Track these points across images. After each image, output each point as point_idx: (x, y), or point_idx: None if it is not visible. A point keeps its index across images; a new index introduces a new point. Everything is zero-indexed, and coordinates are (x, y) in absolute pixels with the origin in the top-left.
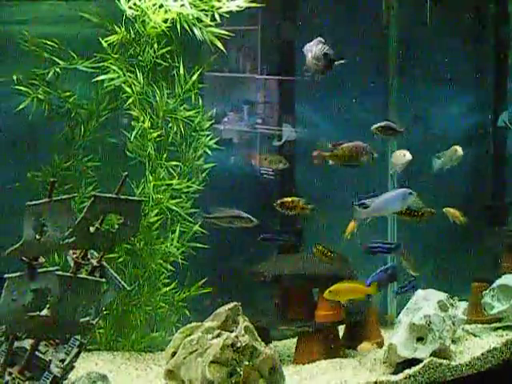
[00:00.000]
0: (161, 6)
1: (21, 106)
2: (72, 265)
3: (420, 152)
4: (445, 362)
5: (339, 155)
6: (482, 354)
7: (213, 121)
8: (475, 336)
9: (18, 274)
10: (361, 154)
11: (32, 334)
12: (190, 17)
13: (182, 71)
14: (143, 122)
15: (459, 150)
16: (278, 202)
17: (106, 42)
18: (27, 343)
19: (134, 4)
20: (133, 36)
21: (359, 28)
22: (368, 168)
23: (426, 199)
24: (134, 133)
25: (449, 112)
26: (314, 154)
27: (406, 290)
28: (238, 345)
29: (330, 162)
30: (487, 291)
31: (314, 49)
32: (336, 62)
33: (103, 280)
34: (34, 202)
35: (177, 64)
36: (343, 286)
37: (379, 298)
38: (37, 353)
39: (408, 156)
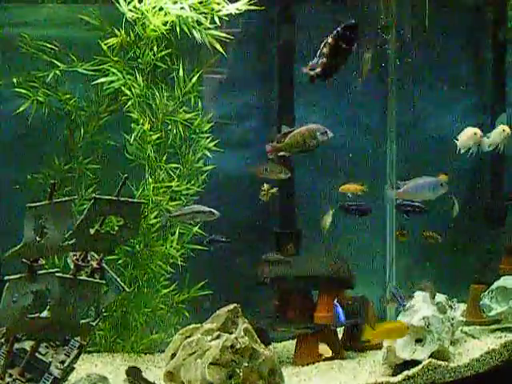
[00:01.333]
0: (160, 9)
1: (21, 109)
2: (72, 267)
3: (419, 154)
4: (443, 363)
5: (292, 143)
6: (481, 356)
7: (212, 123)
8: (474, 337)
9: (18, 275)
10: (313, 137)
11: (32, 335)
12: (190, 19)
13: (181, 73)
14: (143, 124)
15: (506, 128)
16: None
17: (105, 44)
18: (27, 345)
19: (134, 7)
20: (132, 39)
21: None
22: (365, 170)
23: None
24: (133, 135)
25: (447, 114)
26: (267, 150)
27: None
28: (238, 346)
29: (284, 153)
30: (486, 293)
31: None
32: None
33: (103, 282)
34: (34, 204)
35: (176, 66)
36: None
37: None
38: (37, 354)
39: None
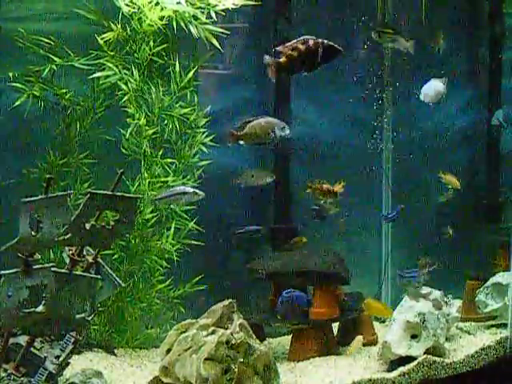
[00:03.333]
0: (157, 4)
1: (17, 103)
2: (67, 261)
3: (416, 150)
4: (439, 359)
5: (250, 134)
6: (476, 352)
7: (209, 118)
8: (469, 334)
9: (13, 270)
10: (271, 131)
11: (27, 330)
12: (186, 14)
13: (177, 69)
14: (139, 119)
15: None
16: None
17: (102, 39)
18: (22, 340)
19: (131, 1)
20: (129, 33)
21: (354, 22)
22: (363, 165)
23: (421, 197)
24: (129, 130)
25: (444, 110)
26: (228, 135)
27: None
28: (233, 342)
29: (242, 142)
30: (481, 289)
31: None
32: None
33: (98, 277)
34: (30, 199)
35: (172, 61)
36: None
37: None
38: (32, 349)
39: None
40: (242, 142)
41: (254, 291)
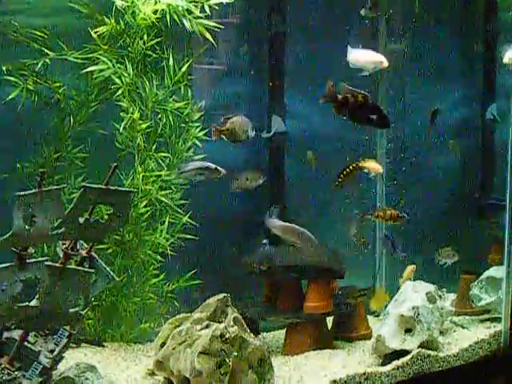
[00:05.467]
0: None
1: (10, 97)
2: (61, 255)
3: (409, 145)
4: (433, 353)
5: (230, 130)
6: (470, 346)
7: (202, 112)
8: (463, 328)
9: (7, 264)
10: (247, 129)
11: (21, 324)
12: (180, 8)
13: (171, 63)
14: (132, 113)
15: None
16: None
17: (95, 33)
18: (16, 334)
19: None
20: (122, 27)
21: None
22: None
23: (415, 193)
24: (123, 124)
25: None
26: (212, 130)
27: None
28: (227, 336)
29: (224, 137)
30: (475, 283)
31: None
32: None
33: (92, 271)
34: (23, 193)
35: (166, 55)
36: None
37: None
38: (26, 343)
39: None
40: (224, 138)
41: (248, 285)
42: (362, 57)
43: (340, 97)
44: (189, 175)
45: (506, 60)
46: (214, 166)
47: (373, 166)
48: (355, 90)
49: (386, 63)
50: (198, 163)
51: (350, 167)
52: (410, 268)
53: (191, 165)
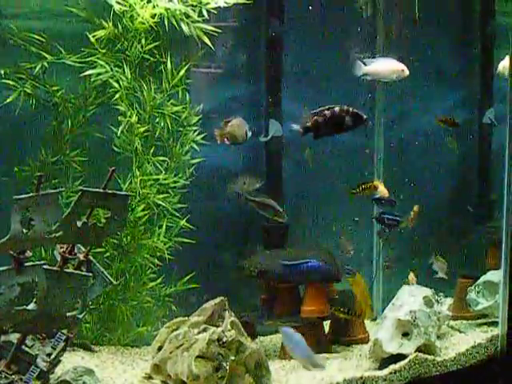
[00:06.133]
0: (149, 1)
1: (8, 100)
2: (59, 259)
3: (407, 148)
4: (430, 357)
5: (231, 132)
6: (467, 350)
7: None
8: (460, 332)
9: (4, 268)
10: (246, 131)
11: (19, 328)
12: (178, 12)
13: (169, 66)
14: (130, 116)
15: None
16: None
17: (93, 36)
18: (14, 337)
19: None
20: (120, 31)
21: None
22: (354, 166)
23: (412, 196)
24: (120, 128)
25: (435, 109)
26: (216, 134)
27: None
28: (224, 339)
29: (226, 141)
30: (472, 287)
31: None
32: None
33: (90, 274)
34: (21, 196)
35: (164, 59)
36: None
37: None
38: (23, 347)
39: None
40: (226, 141)
41: (245, 289)
42: (381, 67)
43: (309, 124)
44: (251, 204)
45: (500, 69)
46: (279, 208)
47: (382, 190)
48: (319, 109)
49: (406, 71)
50: (267, 200)
51: (368, 184)
52: (412, 276)
53: (260, 198)
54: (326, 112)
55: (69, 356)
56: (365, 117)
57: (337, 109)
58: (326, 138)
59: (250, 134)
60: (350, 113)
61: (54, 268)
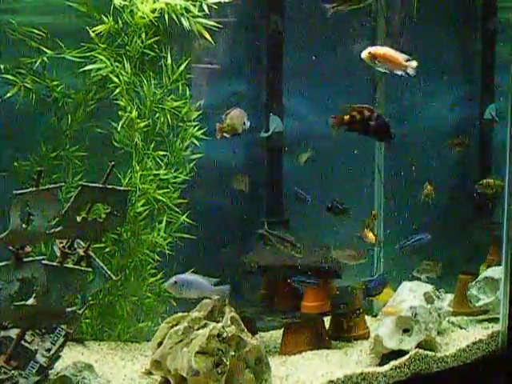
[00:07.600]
0: None
1: (7, 95)
2: (58, 254)
3: (407, 146)
4: (430, 353)
5: (231, 124)
6: (468, 346)
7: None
8: (461, 328)
9: (4, 263)
10: (244, 121)
11: (18, 323)
12: (178, 7)
13: (169, 61)
14: (130, 111)
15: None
16: None
17: (93, 31)
18: (13, 333)
19: None
20: (121, 26)
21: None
22: (355, 162)
23: (413, 193)
24: (121, 123)
25: (437, 105)
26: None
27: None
28: (224, 335)
29: (226, 134)
30: (473, 283)
31: None
32: None
33: (89, 270)
34: (21, 191)
35: (164, 54)
36: None
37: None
38: (23, 342)
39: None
40: (226, 135)
41: (245, 285)
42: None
43: (347, 117)
44: (270, 238)
45: None
46: (297, 244)
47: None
48: (360, 105)
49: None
50: (287, 236)
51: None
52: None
53: (280, 233)
54: (366, 113)
55: (68, 351)
56: (392, 135)
57: (376, 114)
58: (327, 134)
59: (248, 123)
60: (383, 124)
61: (54, 263)
